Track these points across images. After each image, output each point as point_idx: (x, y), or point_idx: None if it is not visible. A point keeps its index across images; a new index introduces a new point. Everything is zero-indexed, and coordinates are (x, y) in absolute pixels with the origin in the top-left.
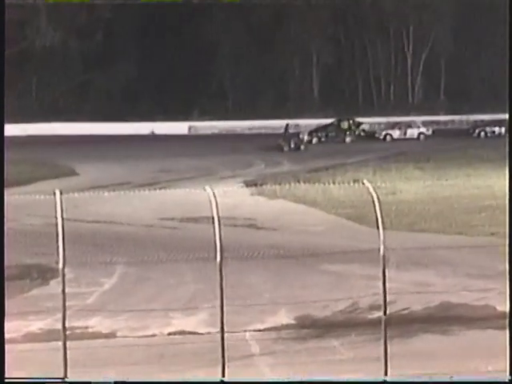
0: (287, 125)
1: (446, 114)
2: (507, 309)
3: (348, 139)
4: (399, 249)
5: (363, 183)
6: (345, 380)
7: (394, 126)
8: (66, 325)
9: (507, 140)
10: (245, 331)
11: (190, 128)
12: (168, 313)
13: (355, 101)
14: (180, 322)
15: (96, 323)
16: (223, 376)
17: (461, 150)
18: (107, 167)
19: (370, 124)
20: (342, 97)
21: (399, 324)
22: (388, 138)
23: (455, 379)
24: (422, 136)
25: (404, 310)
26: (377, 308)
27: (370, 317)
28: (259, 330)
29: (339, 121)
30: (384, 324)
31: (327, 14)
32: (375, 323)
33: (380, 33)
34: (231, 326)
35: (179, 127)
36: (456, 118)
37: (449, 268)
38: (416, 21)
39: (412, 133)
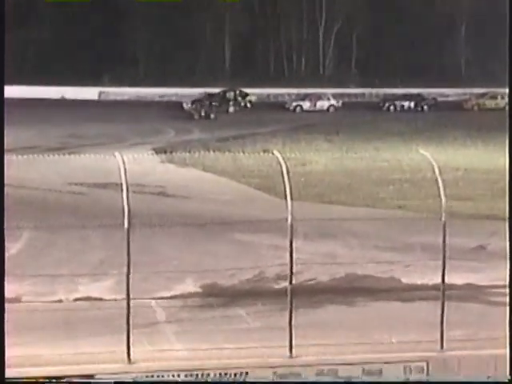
0: (219, 93)
1: (357, 87)
2: (507, 305)
3: (231, 109)
4: (307, 219)
5: (273, 153)
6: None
7: (304, 97)
8: None
9: (507, 108)
10: (151, 298)
11: (100, 94)
12: (74, 278)
13: (266, 71)
14: (86, 288)
15: None
16: (128, 344)
17: (370, 124)
18: (15, 130)
19: (258, 95)
20: (253, 66)
21: (305, 294)
22: (298, 109)
23: (455, 379)
24: (331, 108)
25: (310, 280)
26: (283, 278)
27: (277, 287)
28: (165, 298)
29: (225, 91)
30: (290, 294)
31: None
32: (281, 293)
33: (293, 3)
34: (138, 292)
35: (89, 92)
36: (366, 91)
37: (356, 240)
38: None
39: (322, 104)
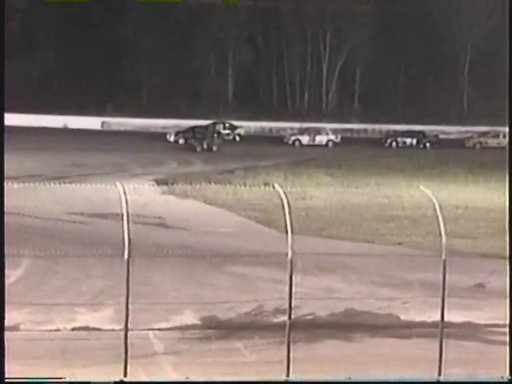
0: (209, 125)
1: (360, 122)
2: (507, 312)
3: (216, 141)
4: (307, 254)
5: (274, 187)
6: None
7: (303, 131)
8: None
9: (507, 147)
10: (149, 329)
11: (103, 123)
12: (73, 308)
13: (269, 104)
14: (84, 318)
15: None
16: (125, 375)
17: (372, 159)
18: (18, 159)
19: (246, 128)
20: (256, 99)
21: (303, 329)
22: (297, 143)
23: (455, 379)
24: (330, 143)
25: (309, 315)
26: (282, 312)
27: (275, 320)
28: (164, 329)
29: (214, 123)
30: (288, 328)
31: (245, 15)
32: (280, 327)
33: (297, 37)
34: (136, 323)
35: (92, 122)
36: (369, 126)
37: (355, 275)
38: (334, 28)
39: (321, 139)
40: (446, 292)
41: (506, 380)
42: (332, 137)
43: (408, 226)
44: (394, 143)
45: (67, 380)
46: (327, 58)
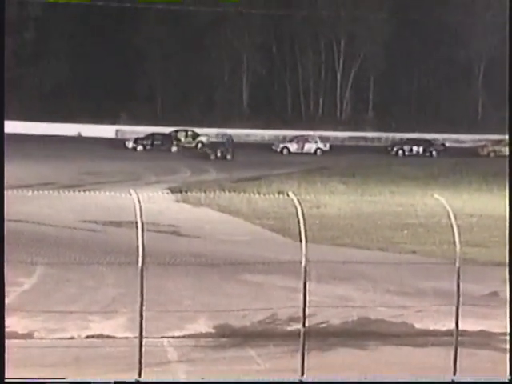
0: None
1: (374, 130)
2: (507, 314)
3: (174, 149)
4: (321, 262)
5: (288, 195)
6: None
7: (291, 139)
8: None
9: (507, 159)
10: (163, 337)
11: (117, 132)
12: (87, 316)
13: (284, 112)
14: (98, 326)
15: (12, 323)
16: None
17: (385, 167)
18: (32, 167)
19: (209, 136)
20: (270, 107)
21: (317, 337)
22: (285, 151)
23: (456, 379)
24: (319, 151)
25: (323, 323)
26: (296, 320)
27: (289, 328)
28: (178, 337)
29: (176, 131)
30: (303, 336)
31: (259, 23)
32: (294, 335)
33: (311, 45)
34: (150, 331)
35: (106, 130)
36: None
37: (369, 283)
38: (347, 36)
39: (309, 147)
40: (460, 300)
41: (506, 380)
42: (321, 145)
43: (422, 234)
44: (400, 151)
45: (67, 380)
46: (341, 66)
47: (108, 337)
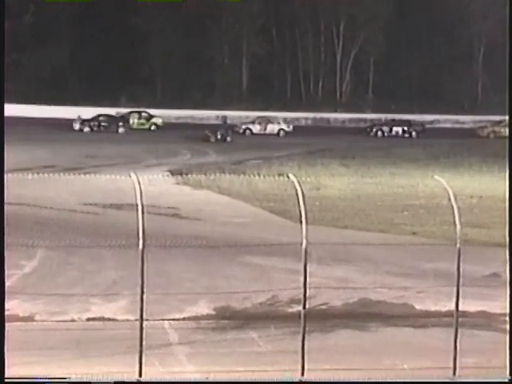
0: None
1: (373, 112)
2: (507, 310)
3: (121, 130)
4: (321, 244)
5: (288, 177)
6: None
7: (253, 120)
8: None
9: (507, 141)
10: (164, 320)
11: (116, 114)
12: (88, 298)
13: (283, 94)
14: (99, 308)
15: (13, 306)
16: (140, 365)
17: (386, 149)
18: (32, 150)
19: (163, 118)
20: (270, 89)
21: (318, 319)
22: (248, 132)
23: (456, 379)
24: (282, 132)
25: (323, 304)
26: (296, 302)
27: (290, 310)
28: (178, 319)
29: (130, 112)
30: (304, 318)
31: (259, 5)
32: (294, 317)
33: (311, 27)
34: (150, 314)
35: (106, 113)
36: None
37: (369, 265)
38: (347, 17)
39: (272, 128)
40: (461, 281)
41: (506, 380)
42: (284, 126)
43: (422, 215)
44: (379, 132)
45: (67, 380)
46: (341, 48)
47: (109, 319)
